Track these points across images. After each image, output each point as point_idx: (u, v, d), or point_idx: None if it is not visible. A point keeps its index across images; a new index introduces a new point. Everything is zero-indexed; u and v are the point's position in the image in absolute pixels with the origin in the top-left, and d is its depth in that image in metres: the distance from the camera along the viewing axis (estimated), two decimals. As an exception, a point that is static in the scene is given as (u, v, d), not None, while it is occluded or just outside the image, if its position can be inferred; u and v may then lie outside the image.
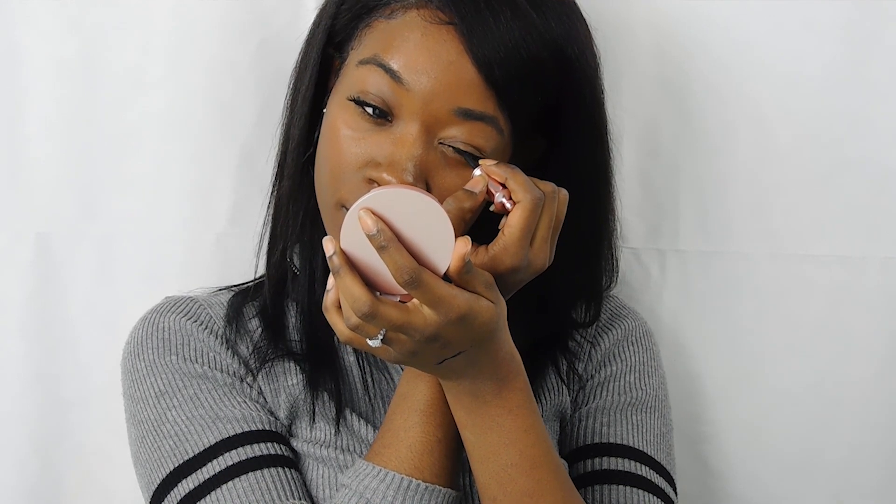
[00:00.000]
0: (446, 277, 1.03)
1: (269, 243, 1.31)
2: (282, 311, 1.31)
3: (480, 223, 1.16)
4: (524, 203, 1.09)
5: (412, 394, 1.17)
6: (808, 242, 1.54)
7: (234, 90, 1.47)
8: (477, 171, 1.13)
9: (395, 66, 1.14)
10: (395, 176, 1.13)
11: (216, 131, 1.48)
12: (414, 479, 1.14)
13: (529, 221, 1.09)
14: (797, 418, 1.57)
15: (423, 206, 1.02)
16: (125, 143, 1.47)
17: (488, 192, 1.11)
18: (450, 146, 1.15)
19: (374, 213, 1.01)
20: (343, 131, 1.17)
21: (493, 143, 1.17)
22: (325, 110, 1.24)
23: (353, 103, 1.16)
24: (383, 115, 1.15)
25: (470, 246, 1.02)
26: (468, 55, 1.13)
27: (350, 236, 1.02)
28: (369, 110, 1.15)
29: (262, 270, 1.34)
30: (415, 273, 1.00)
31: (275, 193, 1.31)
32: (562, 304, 1.34)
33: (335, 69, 1.24)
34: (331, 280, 1.05)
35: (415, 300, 1.03)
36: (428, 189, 1.15)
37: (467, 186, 1.11)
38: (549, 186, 1.13)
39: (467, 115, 1.14)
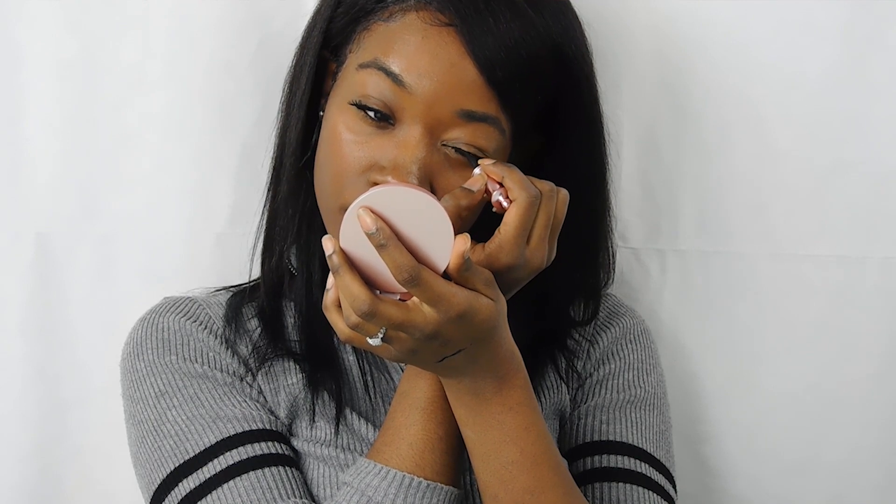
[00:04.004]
0: (446, 275, 1.03)
1: (265, 246, 1.32)
2: (280, 311, 1.31)
3: (483, 225, 1.16)
4: (520, 201, 1.09)
5: (413, 392, 1.17)
6: (808, 242, 1.54)
7: (234, 90, 1.47)
8: (476, 170, 1.13)
9: (396, 69, 1.14)
10: (399, 179, 1.13)
11: (216, 131, 1.48)
12: (416, 477, 1.14)
13: (525, 219, 1.09)
14: (797, 418, 1.58)
15: (422, 204, 1.02)
16: (125, 143, 1.47)
17: (486, 190, 1.11)
18: (452, 147, 1.15)
19: (372, 212, 1.01)
20: (345, 135, 1.17)
21: (496, 144, 1.17)
22: (321, 113, 1.24)
23: (354, 107, 1.16)
24: (385, 119, 1.15)
25: (469, 243, 1.02)
26: (470, 56, 1.13)
27: (349, 235, 1.02)
28: (371, 114, 1.15)
29: (256, 274, 1.34)
30: (414, 271, 1.00)
31: (270, 197, 1.31)
32: (560, 301, 1.34)
33: (331, 72, 1.24)
34: (330, 279, 1.05)
35: (414, 298, 1.03)
36: (432, 191, 1.15)
37: (465, 185, 1.11)
38: (546, 185, 1.13)
39: (470, 117, 1.14)
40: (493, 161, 1.13)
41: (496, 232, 1.09)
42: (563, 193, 1.14)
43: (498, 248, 1.09)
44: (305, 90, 1.24)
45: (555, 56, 1.17)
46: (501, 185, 1.11)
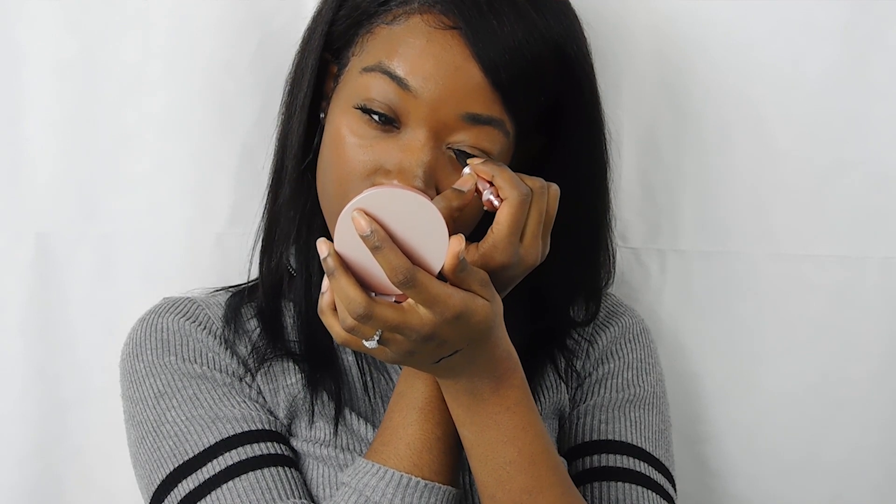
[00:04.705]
0: (441, 276, 1.03)
1: (264, 248, 1.31)
2: (279, 311, 1.31)
3: (480, 225, 1.16)
4: (511, 199, 1.09)
5: (410, 392, 1.17)
6: (808, 242, 1.54)
7: (234, 90, 1.47)
8: (466, 170, 1.13)
9: (400, 72, 1.14)
10: (404, 182, 1.13)
11: (216, 131, 1.48)
12: (413, 477, 1.14)
13: (517, 218, 1.09)
14: (797, 418, 1.57)
15: (417, 206, 1.02)
16: (125, 143, 1.47)
17: (477, 190, 1.11)
18: (457, 150, 1.15)
19: (367, 214, 1.01)
20: (349, 139, 1.16)
21: (500, 146, 1.17)
22: (323, 116, 1.24)
23: (358, 111, 1.16)
24: (390, 122, 1.15)
25: (464, 244, 1.02)
26: (474, 59, 1.13)
27: (344, 237, 1.02)
28: (375, 117, 1.15)
29: (255, 275, 1.34)
30: (409, 273, 1.00)
31: (270, 199, 1.31)
32: (560, 301, 1.34)
33: (332, 75, 1.24)
34: (325, 282, 1.05)
35: (410, 300, 1.03)
36: (437, 194, 1.15)
37: (456, 185, 1.11)
38: (537, 182, 1.13)
39: (475, 120, 1.14)
40: (483, 160, 1.13)
41: (489, 231, 1.09)
42: (554, 188, 1.14)
43: (492, 247, 1.09)
44: (307, 93, 1.24)
45: (557, 57, 1.17)
46: (492, 184, 1.11)
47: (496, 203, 1.10)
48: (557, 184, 1.15)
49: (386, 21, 1.17)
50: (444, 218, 1.04)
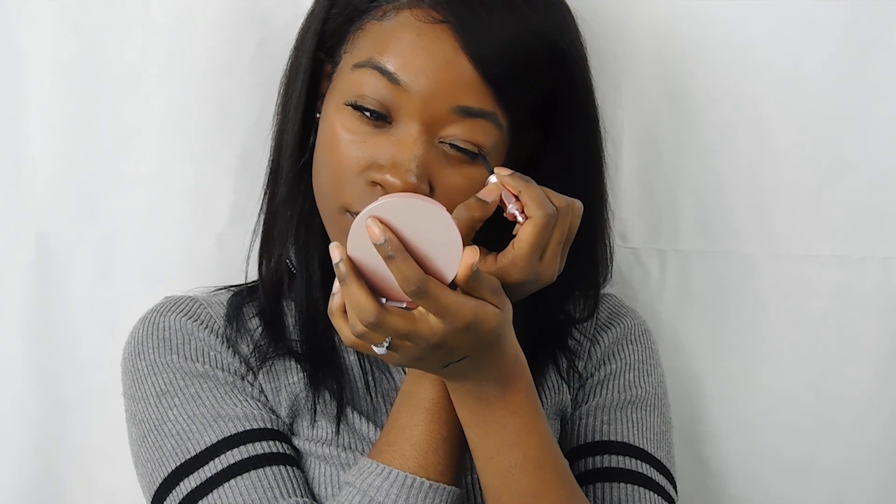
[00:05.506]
0: (453, 284, 1.03)
1: (263, 248, 1.31)
2: (281, 310, 1.31)
3: (492, 227, 1.16)
4: (536, 220, 1.08)
5: (417, 392, 1.16)
6: (808, 242, 1.54)
7: (234, 90, 1.47)
8: (492, 179, 1.12)
9: (391, 67, 1.14)
10: (398, 177, 1.13)
11: (216, 131, 1.48)
12: (418, 478, 1.14)
13: (540, 238, 1.08)
14: (797, 418, 1.57)
15: (431, 215, 1.01)
16: (125, 143, 1.47)
17: (501, 201, 1.10)
18: (450, 144, 1.15)
19: (381, 222, 1.00)
20: (342, 136, 1.17)
21: (493, 139, 1.17)
22: (318, 115, 1.24)
23: (350, 107, 1.16)
24: (382, 118, 1.15)
25: (478, 256, 1.02)
26: (464, 53, 1.13)
27: (357, 244, 1.02)
28: (368, 113, 1.15)
29: (252, 276, 1.34)
30: (422, 283, 1.00)
31: (267, 200, 1.31)
32: (557, 294, 1.33)
33: (326, 73, 1.24)
34: (336, 284, 1.05)
35: (421, 308, 1.02)
36: (431, 188, 1.15)
37: (480, 195, 1.10)
38: (562, 201, 1.12)
39: (467, 113, 1.15)
40: (511, 172, 1.12)
41: (510, 245, 1.09)
42: (578, 206, 1.13)
43: (511, 263, 1.08)
44: (301, 92, 1.24)
45: (549, 50, 1.18)
46: (517, 197, 1.10)
47: (520, 219, 1.09)
48: (553, 178, 1.15)
49: (376, 17, 1.17)
50: (466, 228, 1.04)
